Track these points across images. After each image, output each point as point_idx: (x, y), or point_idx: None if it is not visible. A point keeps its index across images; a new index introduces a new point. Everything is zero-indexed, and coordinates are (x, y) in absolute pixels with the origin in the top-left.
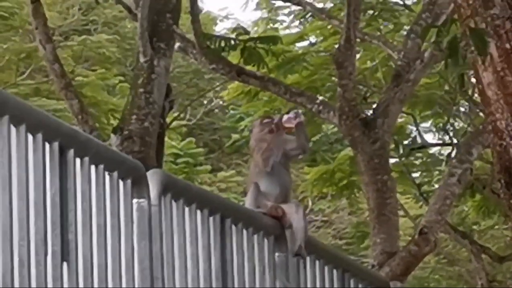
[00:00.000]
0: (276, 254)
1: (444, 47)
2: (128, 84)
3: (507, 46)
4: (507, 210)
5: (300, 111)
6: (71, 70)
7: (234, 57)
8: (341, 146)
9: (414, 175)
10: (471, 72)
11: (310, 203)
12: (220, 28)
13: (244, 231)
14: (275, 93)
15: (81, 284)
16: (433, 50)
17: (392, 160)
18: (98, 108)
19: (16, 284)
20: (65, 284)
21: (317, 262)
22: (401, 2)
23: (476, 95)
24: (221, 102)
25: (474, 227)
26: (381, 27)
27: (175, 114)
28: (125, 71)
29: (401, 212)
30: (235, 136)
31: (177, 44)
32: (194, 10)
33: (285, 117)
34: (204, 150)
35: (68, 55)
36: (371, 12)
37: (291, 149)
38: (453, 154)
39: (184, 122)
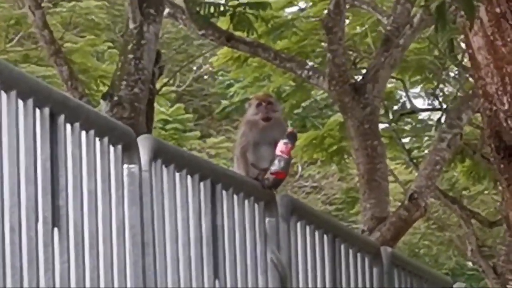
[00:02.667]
0: (267, 219)
1: (433, 11)
2: (118, 51)
3: (497, 10)
4: (497, 174)
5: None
6: (60, 36)
7: (223, 23)
8: (331, 112)
9: (404, 140)
10: (461, 37)
11: (299, 169)
12: None
13: (235, 196)
14: (264, 59)
15: (72, 249)
16: (422, 15)
17: (381, 126)
18: (88, 74)
19: (7, 250)
20: (56, 250)
21: (307, 227)
22: None
23: (466, 60)
24: (210, 68)
25: (464, 192)
26: None
27: (165, 80)
28: (114, 37)
29: (391, 178)
30: (224, 102)
31: (166, 10)
32: None
33: (281, 144)
34: (193, 116)
35: (57, 21)
36: None
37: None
38: (442, 119)
39: (173, 88)
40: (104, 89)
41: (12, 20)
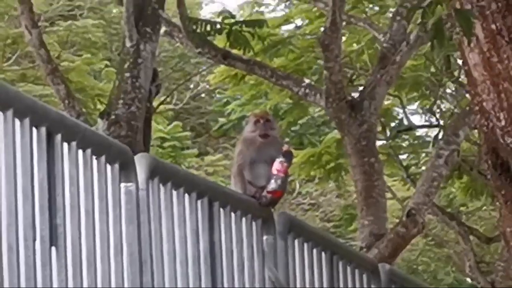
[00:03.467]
0: (264, 237)
1: (429, 28)
2: (114, 69)
3: (493, 27)
4: (494, 190)
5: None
6: (57, 55)
7: (220, 41)
8: (328, 129)
9: (401, 157)
10: (457, 53)
11: (297, 186)
12: (206, 12)
13: (232, 214)
14: (261, 77)
15: (69, 268)
16: (418, 32)
17: (379, 143)
18: (85, 93)
19: (5, 268)
20: (54, 269)
21: (305, 244)
22: None
23: (462, 76)
24: (207, 86)
25: (462, 208)
26: (367, 9)
27: (162, 99)
28: (111, 56)
29: (388, 195)
30: (222, 120)
31: (163, 29)
32: None
33: (277, 162)
34: (191, 134)
35: (54, 40)
36: None
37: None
38: (440, 136)
39: (170, 106)
40: (101, 107)
41: (9, 39)
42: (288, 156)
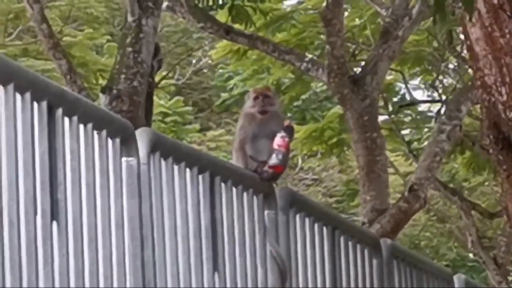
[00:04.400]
0: (266, 212)
1: (432, 3)
2: (116, 44)
3: (495, 1)
4: (496, 165)
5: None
6: (59, 30)
7: (222, 16)
8: (330, 104)
9: (404, 132)
10: (460, 28)
11: (299, 161)
12: None
13: (234, 189)
14: (263, 52)
15: (70, 243)
16: (421, 7)
17: (381, 118)
18: (87, 68)
19: (6, 243)
20: (55, 243)
21: (306, 219)
22: None
23: (465, 51)
24: (209, 61)
25: (464, 184)
26: None
27: (164, 74)
28: (113, 30)
29: (390, 170)
30: (224, 95)
31: (165, 3)
32: None
33: (279, 137)
34: (193, 109)
35: (56, 15)
36: None
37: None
38: (442, 111)
39: (173, 81)
40: (103, 82)
41: (11, 14)
42: (289, 131)
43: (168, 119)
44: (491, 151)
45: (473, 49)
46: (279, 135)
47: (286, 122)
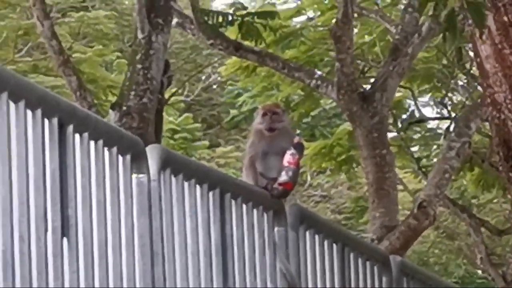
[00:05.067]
0: (276, 228)
1: (442, 20)
2: (126, 60)
3: (505, 19)
4: (506, 182)
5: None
6: (69, 46)
7: (231, 33)
8: (340, 121)
9: (412, 149)
10: (469, 45)
11: (309, 178)
12: (217, 4)
13: (244, 206)
14: (273, 68)
15: (81, 260)
16: (431, 24)
17: (390, 135)
18: (96, 84)
19: (17, 260)
20: (65, 260)
21: (316, 236)
22: None
23: (474, 68)
24: (219, 78)
25: (473, 201)
26: (378, 1)
27: (173, 90)
28: (122, 47)
29: (399, 187)
30: (233, 111)
31: (174, 20)
32: None
33: (288, 155)
34: (202, 126)
35: (66, 31)
36: None
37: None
38: (451, 128)
39: (182, 98)
40: (112, 99)
41: (21, 30)
42: (299, 148)
43: (177, 136)
44: (500, 168)
45: (483, 67)
46: (288, 152)
47: (296, 139)
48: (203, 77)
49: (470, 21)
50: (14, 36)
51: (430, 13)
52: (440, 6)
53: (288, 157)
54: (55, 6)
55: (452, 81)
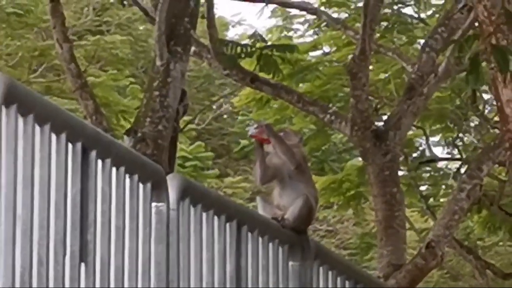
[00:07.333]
0: (290, 263)
1: (465, 62)
2: (139, 86)
3: None
4: None
5: (262, 123)
6: (83, 70)
7: (247, 64)
8: (349, 156)
9: (421, 188)
10: (483, 87)
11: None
12: (232, 34)
13: (260, 239)
14: (287, 101)
15: (98, 285)
16: (452, 64)
17: (399, 173)
18: (109, 109)
19: (34, 283)
20: (82, 285)
21: (329, 272)
22: (416, 15)
23: (487, 110)
24: (230, 108)
25: (479, 242)
26: (395, 39)
27: (188, 118)
28: (136, 72)
29: (406, 225)
30: (243, 141)
31: (192, 49)
32: (210, 15)
33: (252, 130)
34: (212, 155)
35: (81, 55)
36: (385, 24)
37: (280, 164)
38: (462, 169)
39: (192, 126)
40: (125, 123)
41: (36, 51)
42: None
43: (188, 164)
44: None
45: (503, 111)
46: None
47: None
48: (214, 106)
49: (492, 65)
50: (29, 56)
51: (448, 54)
52: (464, 48)
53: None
54: (71, 28)
55: (465, 122)
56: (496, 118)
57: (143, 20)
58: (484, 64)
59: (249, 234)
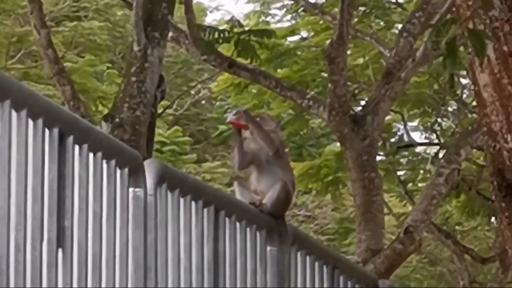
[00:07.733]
0: (268, 248)
1: (443, 46)
2: (116, 71)
3: (505, 48)
4: (498, 212)
5: (241, 109)
6: (61, 56)
7: (224, 49)
8: (327, 141)
9: (399, 173)
10: (461, 72)
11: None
12: (210, 20)
13: (238, 224)
14: (265, 87)
15: (75, 271)
16: (430, 49)
17: (378, 158)
18: (87, 94)
19: (11, 268)
20: (60, 271)
21: (307, 257)
22: (394, 0)
23: (465, 95)
24: (208, 93)
25: (457, 227)
26: (373, 24)
27: (166, 104)
28: (113, 58)
29: (385, 210)
30: (221, 127)
31: (169, 34)
32: (188, 1)
33: (230, 116)
34: (189, 140)
35: (59, 40)
36: (363, 9)
37: (258, 150)
38: (440, 154)
39: (171, 112)
40: (102, 109)
41: (14, 37)
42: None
43: (165, 149)
44: (494, 197)
45: (481, 95)
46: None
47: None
48: (193, 92)
49: (470, 49)
50: (6, 43)
51: (425, 38)
52: (442, 32)
53: (231, 117)
54: (48, 14)
55: (443, 107)
56: (474, 103)
57: (121, 5)
58: (461, 48)
59: (227, 219)
